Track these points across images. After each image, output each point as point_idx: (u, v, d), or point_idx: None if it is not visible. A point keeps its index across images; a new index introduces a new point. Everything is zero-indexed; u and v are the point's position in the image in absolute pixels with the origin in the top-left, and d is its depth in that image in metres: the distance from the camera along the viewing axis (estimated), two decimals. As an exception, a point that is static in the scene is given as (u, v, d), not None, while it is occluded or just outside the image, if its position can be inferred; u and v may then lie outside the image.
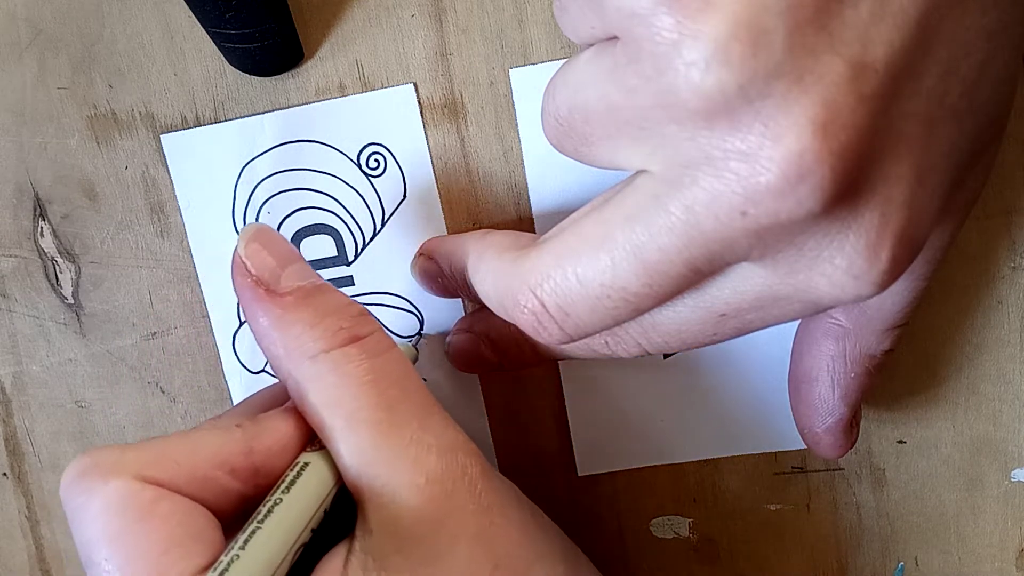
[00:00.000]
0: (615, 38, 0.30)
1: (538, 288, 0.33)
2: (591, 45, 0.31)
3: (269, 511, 0.32)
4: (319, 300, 0.35)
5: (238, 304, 0.45)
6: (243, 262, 0.36)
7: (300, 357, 0.34)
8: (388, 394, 0.34)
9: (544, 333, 0.34)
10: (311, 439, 0.35)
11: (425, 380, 0.45)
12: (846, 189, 0.28)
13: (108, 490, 0.31)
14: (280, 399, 0.38)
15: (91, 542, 0.31)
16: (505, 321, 0.41)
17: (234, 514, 0.33)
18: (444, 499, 0.33)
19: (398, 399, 0.34)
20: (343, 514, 0.34)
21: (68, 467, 0.32)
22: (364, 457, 0.33)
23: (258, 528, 0.31)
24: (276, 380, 0.45)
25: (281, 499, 0.32)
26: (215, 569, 0.30)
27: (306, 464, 0.34)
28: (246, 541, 0.31)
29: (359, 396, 0.34)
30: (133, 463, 0.32)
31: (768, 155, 0.27)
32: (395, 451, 0.33)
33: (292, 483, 0.33)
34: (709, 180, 0.28)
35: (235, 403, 0.46)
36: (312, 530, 0.33)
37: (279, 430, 0.35)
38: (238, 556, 0.30)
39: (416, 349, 0.44)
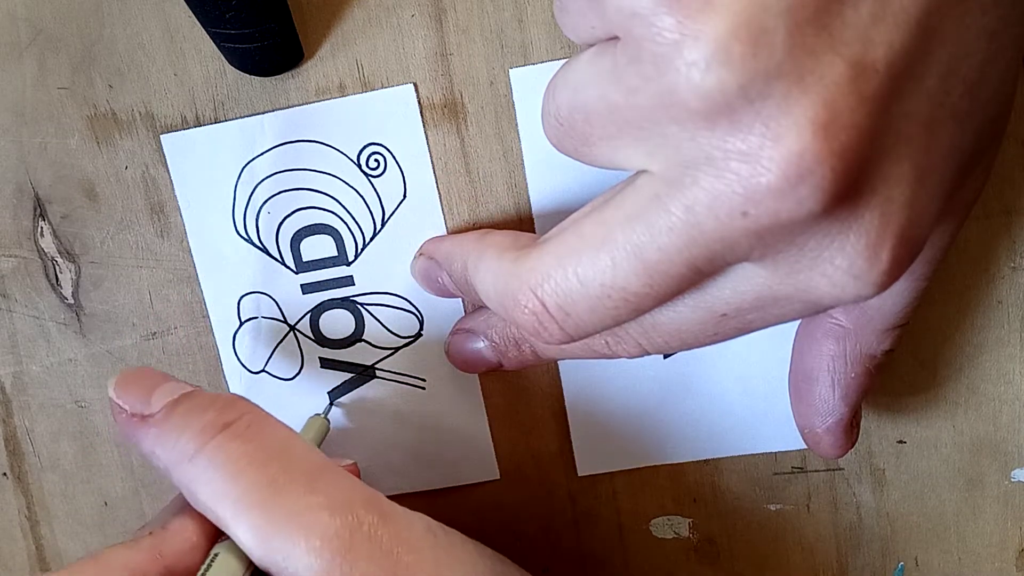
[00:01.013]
0: (615, 38, 0.30)
1: (538, 288, 0.33)
2: (591, 45, 0.31)
3: None
4: (184, 406, 0.37)
5: (238, 304, 0.45)
6: (115, 402, 0.38)
7: (181, 463, 0.35)
8: (268, 471, 0.35)
9: (544, 333, 0.34)
10: (220, 531, 0.36)
11: (424, 381, 0.45)
12: (846, 189, 0.28)
13: None
14: None
15: None
16: (505, 321, 0.41)
17: None
18: (344, 554, 0.34)
19: (278, 472, 0.35)
20: None
21: None
22: (260, 536, 0.34)
23: None
24: (277, 381, 0.46)
25: None
26: None
27: (216, 555, 0.35)
28: None
29: (239, 481, 0.34)
30: None
31: (769, 155, 0.27)
32: (285, 522, 0.34)
33: (204, 575, 0.34)
34: (710, 180, 0.28)
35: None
36: None
37: (187, 530, 0.36)
38: None
39: (327, 420, 0.45)
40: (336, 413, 0.46)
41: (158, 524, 0.37)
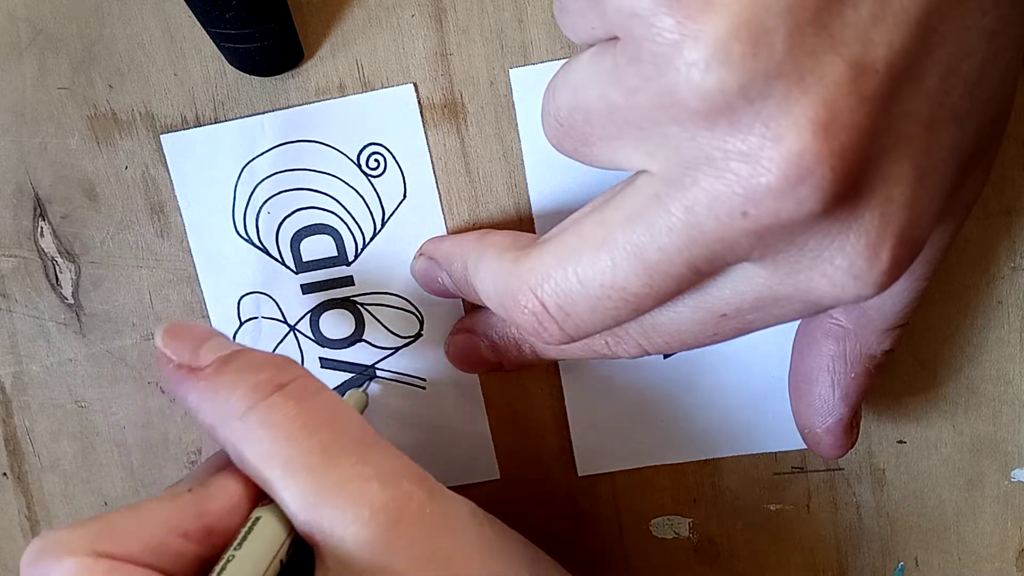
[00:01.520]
0: (615, 38, 0.30)
1: (538, 288, 0.33)
2: (591, 45, 0.31)
3: (222, 569, 0.32)
4: (237, 362, 0.36)
5: (238, 304, 0.45)
6: (163, 352, 0.37)
7: (229, 420, 0.35)
8: (320, 436, 0.34)
9: (544, 333, 0.34)
10: (262, 494, 0.35)
11: (424, 380, 0.45)
12: (846, 189, 0.28)
13: (62, 569, 0.31)
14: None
15: None
16: (505, 321, 0.41)
17: (195, 575, 0.34)
18: (391, 527, 0.33)
19: (330, 439, 0.34)
20: (304, 560, 0.35)
21: (24, 553, 0.33)
22: (307, 502, 0.33)
23: None
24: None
25: (234, 556, 0.33)
26: None
27: (258, 519, 0.34)
28: None
29: (290, 444, 0.34)
30: (84, 540, 0.32)
31: (769, 155, 0.27)
32: (336, 489, 0.33)
33: (244, 539, 0.33)
34: (710, 180, 0.28)
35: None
36: None
37: (228, 489, 0.35)
38: None
39: (366, 395, 0.44)
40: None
41: (195, 482, 0.36)
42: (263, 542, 0.33)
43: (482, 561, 0.35)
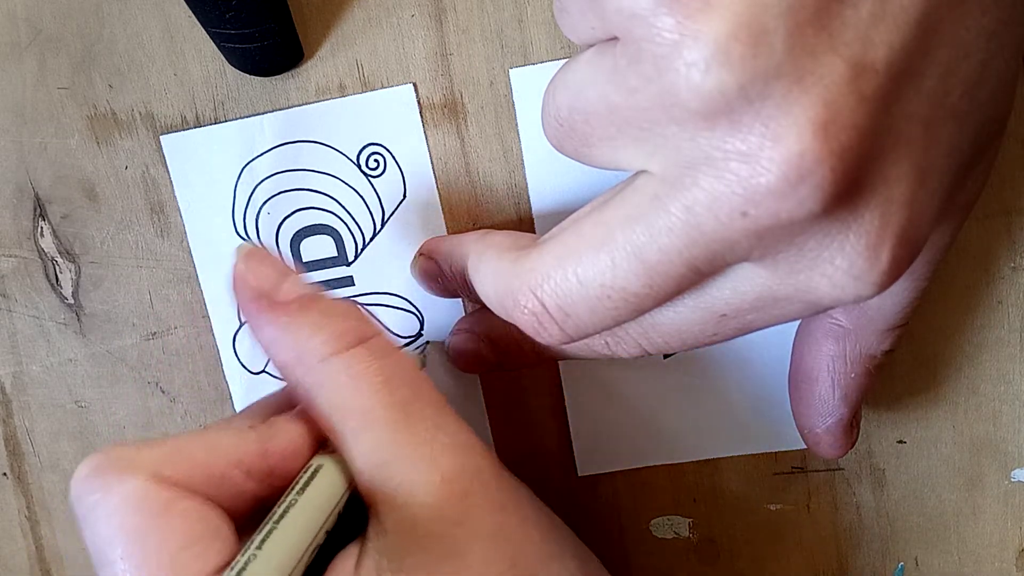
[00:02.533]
0: (615, 39, 0.30)
1: (538, 288, 0.33)
2: (591, 46, 0.31)
3: (284, 512, 0.32)
4: (322, 305, 0.35)
5: (238, 304, 0.45)
6: (244, 275, 0.36)
7: (310, 361, 0.34)
8: (400, 393, 0.34)
9: (544, 333, 0.34)
10: (323, 444, 0.35)
11: (425, 380, 0.45)
12: (846, 189, 0.28)
13: (125, 488, 0.31)
14: (285, 404, 0.38)
15: (106, 539, 0.31)
16: (505, 321, 0.41)
17: (247, 514, 0.33)
18: (460, 498, 0.33)
19: (410, 399, 0.34)
20: (354, 518, 0.34)
21: (82, 464, 0.32)
22: (379, 457, 0.33)
23: (274, 528, 0.31)
24: (277, 382, 0.46)
25: (296, 500, 0.32)
26: (232, 568, 0.30)
27: (320, 467, 0.34)
28: (263, 541, 0.31)
29: (372, 396, 0.34)
30: (149, 461, 0.32)
31: (768, 156, 0.27)
32: (410, 449, 0.33)
33: (306, 485, 0.33)
34: (709, 181, 0.28)
35: (235, 403, 0.46)
36: (326, 532, 0.33)
37: (292, 432, 0.35)
38: (255, 556, 0.30)
39: (423, 356, 0.44)
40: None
41: (254, 419, 0.36)
42: (325, 491, 0.33)
43: (541, 542, 0.35)
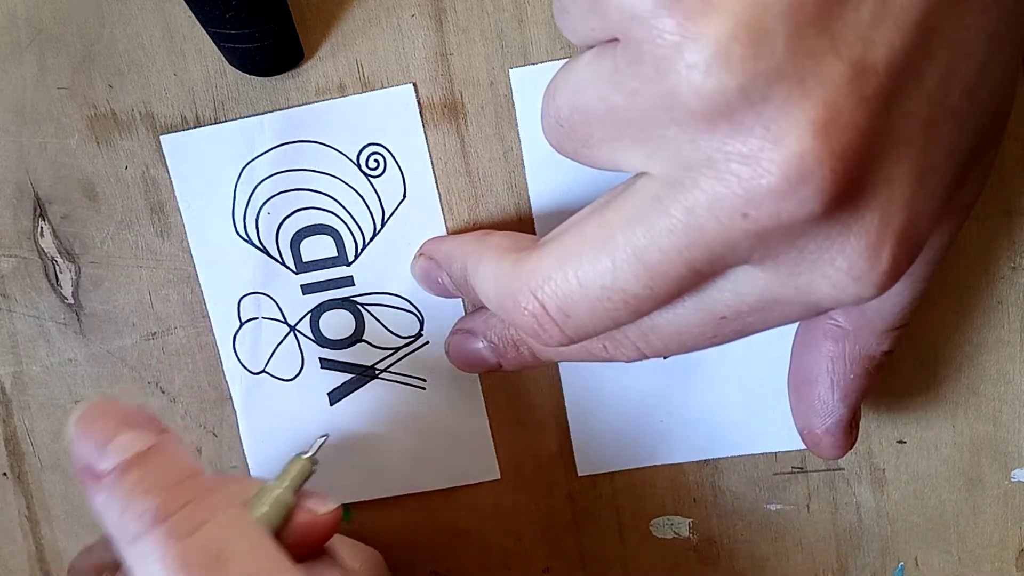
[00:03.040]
0: (616, 40, 0.30)
1: (538, 290, 0.33)
2: (591, 47, 0.31)
3: None
4: (133, 476, 0.34)
5: (238, 304, 0.45)
6: (71, 443, 0.36)
7: (122, 543, 0.34)
8: None
9: (544, 335, 0.34)
10: None
11: (424, 381, 0.45)
12: (847, 190, 0.28)
13: None
14: None
15: None
16: (504, 323, 0.41)
17: None
18: None
19: None
20: None
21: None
22: None
23: None
24: (277, 382, 0.46)
25: None
26: None
27: None
28: None
29: None
30: None
31: (769, 157, 0.27)
32: None
33: None
34: (710, 182, 0.28)
35: (235, 403, 0.46)
36: None
37: None
38: None
39: (312, 461, 0.40)
40: (337, 413, 0.46)
41: (103, 559, 0.36)
42: None
43: None
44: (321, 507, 0.38)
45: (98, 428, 0.35)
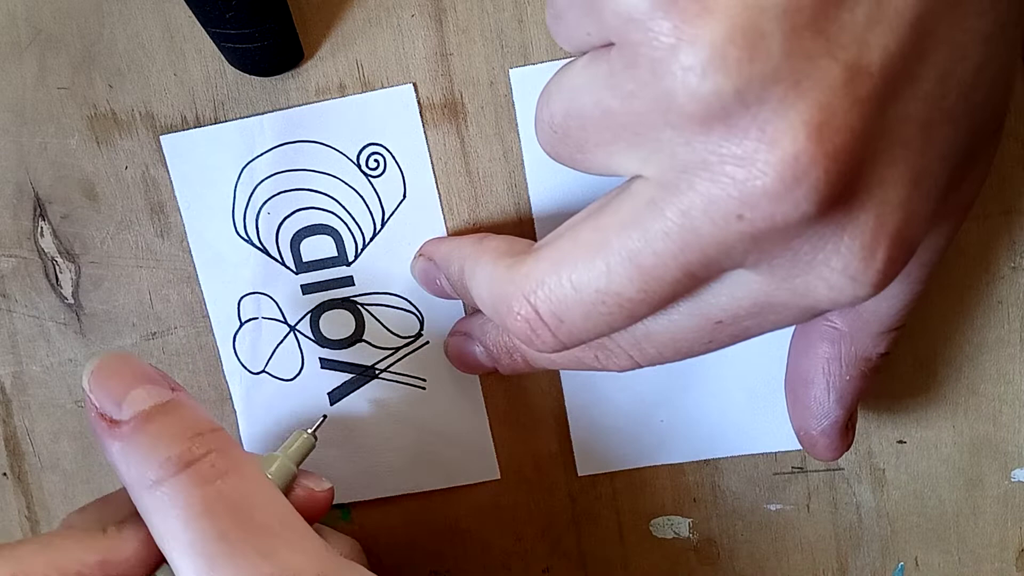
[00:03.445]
0: (611, 44, 0.30)
1: (532, 294, 0.33)
2: (585, 53, 0.31)
3: None
4: (155, 425, 0.35)
5: (238, 304, 0.45)
6: (87, 395, 0.36)
7: (140, 489, 0.34)
8: (221, 524, 0.33)
9: (537, 340, 0.34)
10: None
11: (424, 381, 0.45)
12: (841, 191, 0.28)
13: None
14: None
15: None
16: (498, 328, 0.41)
17: None
18: None
19: (232, 528, 0.33)
20: None
21: None
22: None
23: None
24: (277, 382, 0.46)
25: None
26: None
27: None
28: None
29: (190, 528, 0.33)
30: None
31: (764, 159, 0.27)
32: None
33: None
34: (705, 184, 0.28)
35: (235, 403, 0.46)
36: None
37: (136, 543, 0.35)
38: None
39: (314, 437, 0.41)
40: (337, 414, 0.46)
41: (116, 514, 0.36)
42: None
43: None
44: (317, 485, 0.39)
45: (115, 379, 0.36)
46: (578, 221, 0.33)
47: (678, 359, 0.35)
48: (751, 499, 0.47)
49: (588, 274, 0.31)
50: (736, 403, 0.46)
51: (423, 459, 0.47)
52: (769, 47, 0.26)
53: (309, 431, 0.41)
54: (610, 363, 0.37)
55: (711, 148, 0.28)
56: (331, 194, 0.44)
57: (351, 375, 0.46)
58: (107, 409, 0.35)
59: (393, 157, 0.43)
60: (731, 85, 0.27)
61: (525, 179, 0.43)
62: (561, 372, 0.46)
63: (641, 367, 0.36)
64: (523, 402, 0.46)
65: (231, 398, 0.46)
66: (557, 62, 0.42)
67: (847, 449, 0.41)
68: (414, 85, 0.43)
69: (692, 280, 0.31)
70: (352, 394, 0.46)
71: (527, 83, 0.42)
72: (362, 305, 0.45)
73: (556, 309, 0.32)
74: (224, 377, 0.46)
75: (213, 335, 0.45)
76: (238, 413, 0.46)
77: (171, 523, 0.33)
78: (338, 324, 0.45)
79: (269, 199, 0.44)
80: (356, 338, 0.45)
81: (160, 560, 0.35)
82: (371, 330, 0.45)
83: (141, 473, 0.34)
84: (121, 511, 0.37)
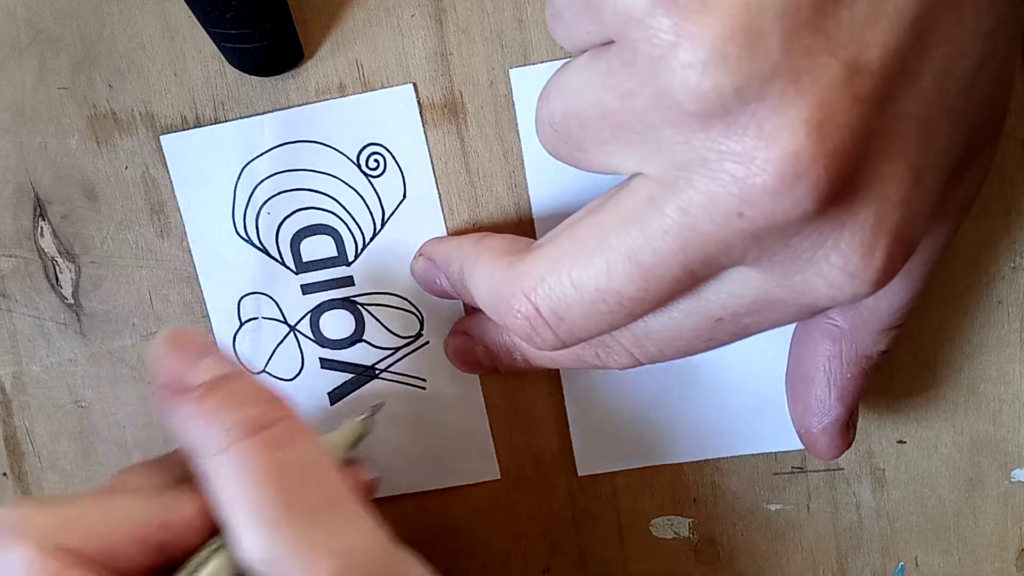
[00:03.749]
0: (610, 43, 0.30)
1: (532, 292, 0.33)
2: (585, 51, 0.31)
3: None
4: (222, 392, 0.35)
5: (238, 304, 0.45)
6: (157, 362, 0.36)
7: (205, 453, 0.34)
8: (287, 491, 0.33)
9: (537, 338, 0.34)
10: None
11: (424, 380, 0.45)
12: (841, 189, 0.28)
13: (11, 556, 0.31)
14: None
15: None
16: (498, 327, 0.41)
17: None
18: None
19: (298, 497, 0.33)
20: None
21: None
22: (261, 555, 0.33)
23: None
24: (277, 382, 0.46)
25: None
26: None
27: (216, 549, 0.34)
28: None
29: (256, 494, 0.33)
30: (42, 528, 0.31)
31: (764, 156, 0.27)
32: (290, 553, 0.33)
33: (198, 568, 0.33)
34: (704, 182, 0.28)
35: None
36: None
37: (195, 506, 0.35)
38: None
39: (372, 421, 0.42)
40: (337, 415, 0.46)
41: (170, 475, 0.36)
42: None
43: None
44: (364, 473, 0.40)
45: (186, 348, 0.36)
46: (578, 219, 0.33)
47: (679, 356, 0.36)
48: (751, 499, 0.47)
49: (588, 272, 0.31)
50: (736, 403, 0.46)
51: (423, 459, 0.47)
52: (768, 45, 0.26)
53: (364, 417, 0.41)
54: (611, 360, 0.37)
55: (710, 146, 0.28)
56: (331, 194, 0.44)
57: (351, 375, 0.46)
58: (177, 375, 0.36)
59: (393, 157, 0.43)
60: (730, 82, 0.27)
61: (525, 179, 0.43)
62: (561, 372, 0.46)
63: (642, 364, 0.36)
64: (523, 402, 0.46)
65: (231, 398, 0.46)
66: (557, 62, 0.42)
67: (848, 447, 0.41)
68: (414, 85, 0.43)
69: (692, 278, 0.31)
70: (352, 394, 0.46)
71: (527, 83, 0.42)
72: (362, 305, 0.45)
73: (556, 307, 0.33)
74: (224, 377, 0.46)
75: (213, 335, 0.45)
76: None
77: (236, 488, 0.33)
78: (338, 324, 0.45)
79: (269, 199, 0.44)
80: (356, 338, 0.45)
81: (214, 530, 0.35)
82: (371, 330, 0.45)
83: (208, 437, 0.34)
84: (174, 475, 0.37)
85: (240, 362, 0.37)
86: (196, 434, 0.34)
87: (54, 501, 0.33)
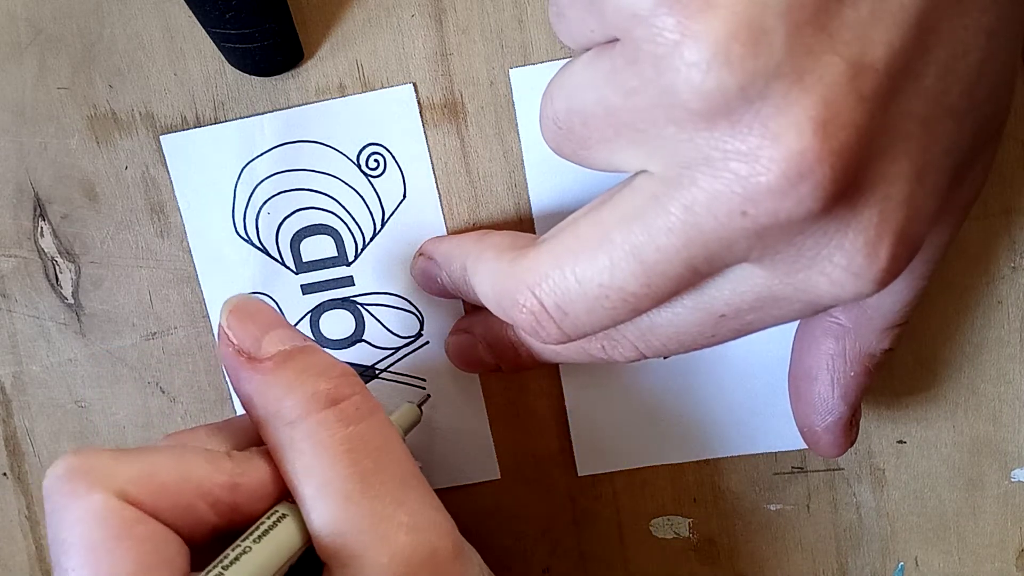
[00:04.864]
0: (614, 41, 0.30)
1: (536, 288, 0.33)
2: (588, 49, 0.31)
3: (236, 558, 0.32)
4: (298, 363, 0.35)
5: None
6: (226, 332, 0.36)
7: (278, 423, 0.34)
8: (362, 465, 0.34)
9: (542, 333, 0.34)
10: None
11: (424, 380, 0.45)
12: (845, 188, 0.28)
13: (91, 501, 0.31)
14: None
15: (65, 545, 0.31)
16: (502, 324, 0.41)
17: (203, 544, 0.33)
18: None
19: (372, 471, 0.34)
20: (310, 569, 0.34)
21: (59, 460, 0.32)
22: (333, 527, 0.33)
23: (222, 574, 0.31)
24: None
25: (251, 548, 0.32)
26: None
27: (282, 516, 0.34)
28: None
29: (331, 466, 0.33)
30: (120, 478, 0.31)
31: (768, 155, 0.27)
32: (363, 526, 0.33)
33: (264, 533, 0.33)
34: (708, 180, 0.28)
35: (235, 403, 0.46)
36: None
37: (264, 471, 0.35)
38: None
39: (420, 410, 0.43)
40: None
41: (237, 440, 0.36)
42: (282, 543, 0.33)
43: None
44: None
45: (256, 318, 0.36)
46: (581, 215, 0.33)
47: (683, 351, 0.36)
48: (751, 499, 0.47)
49: (591, 268, 0.31)
50: (736, 403, 0.46)
51: (423, 459, 0.46)
52: (772, 43, 0.26)
53: (416, 402, 0.42)
54: (616, 353, 0.37)
55: (714, 144, 0.28)
56: (331, 194, 0.44)
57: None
58: (247, 345, 0.35)
59: (393, 157, 0.43)
60: (734, 81, 0.27)
61: (525, 179, 0.43)
62: (561, 372, 0.45)
63: (647, 358, 0.36)
64: (523, 402, 0.46)
65: (231, 398, 0.46)
66: (557, 62, 0.42)
67: (851, 445, 0.41)
68: (414, 85, 0.43)
69: (695, 275, 0.31)
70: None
71: (527, 83, 0.42)
72: (362, 305, 0.45)
73: (560, 302, 0.33)
74: (224, 377, 0.46)
75: (213, 335, 0.45)
76: (238, 413, 0.46)
77: (310, 459, 0.33)
78: (338, 324, 0.45)
79: (269, 199, 0.44)
80: (356, 338, 0.45)
81: (279, 498, 0.35)
82: (371, 330, 0.45)
83: (281, 408, 0.34)
84: (235, 442, 0.36)
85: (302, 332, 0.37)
86: (271, 403, 0.34)
87: (129, 453, 0.33)
